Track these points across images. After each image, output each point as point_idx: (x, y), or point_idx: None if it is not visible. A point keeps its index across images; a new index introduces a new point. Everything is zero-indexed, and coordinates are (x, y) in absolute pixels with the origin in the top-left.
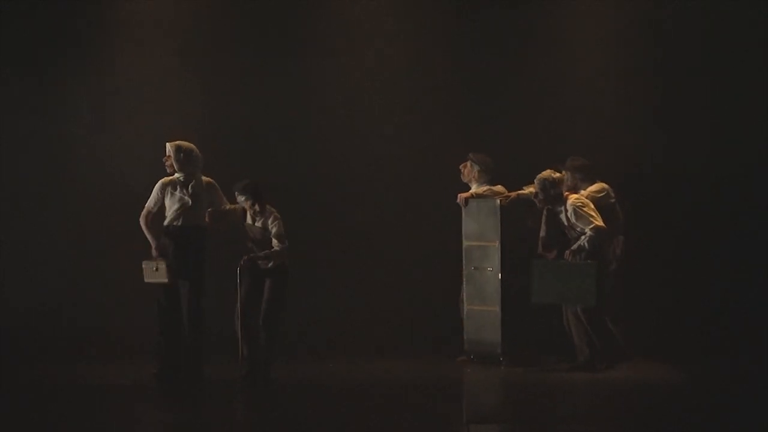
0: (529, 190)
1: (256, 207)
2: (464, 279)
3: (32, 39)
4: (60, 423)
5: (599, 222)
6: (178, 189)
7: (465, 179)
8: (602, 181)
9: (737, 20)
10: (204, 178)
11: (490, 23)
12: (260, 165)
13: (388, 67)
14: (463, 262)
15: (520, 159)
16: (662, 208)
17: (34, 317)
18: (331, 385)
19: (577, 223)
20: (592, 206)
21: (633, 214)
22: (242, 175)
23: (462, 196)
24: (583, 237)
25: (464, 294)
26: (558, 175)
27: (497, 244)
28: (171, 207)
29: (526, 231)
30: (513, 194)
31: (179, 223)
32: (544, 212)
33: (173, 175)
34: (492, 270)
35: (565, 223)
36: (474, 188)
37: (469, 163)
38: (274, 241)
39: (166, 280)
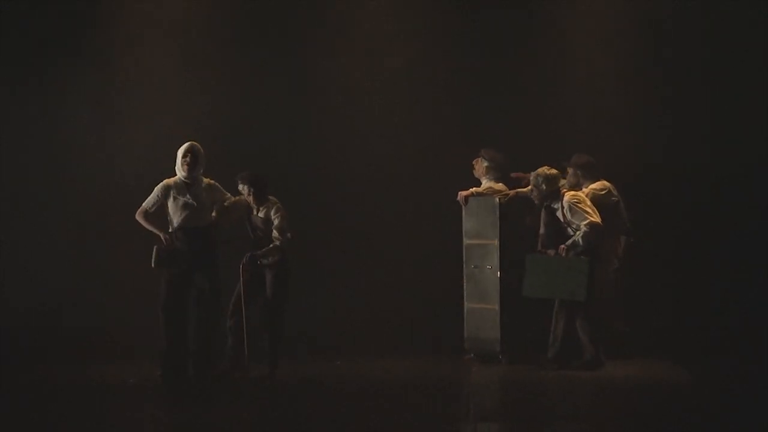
0: (528, 188)
1: (252, 196)
2: (465, 277)
3: (32, 39)
4: (60, 423)
5: (595, 218)
6: (182, 193)
7: (476, 175)
8: (605, 180)
9: (737, 20)
10: (204, 179)
11: (490, 23)
12: (260, 165)
13: (388, 67)
14: (464, 260)
15: (521, 158)
16: (662, 208)
17: (34, 317)
18: (332, 384)
19: (573, 220)
20: (589, 203)
21: (633, 214)
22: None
23: (462, 194)
24: (577, 233)
25: (464, 292)
26: (554, 171)
27: (496, 242)
28: (176, 211)
29: (526, 229)
30: (512, 192)
31: (189, 226)
32: (543, 210)
33: (177, 176)
34: (491, 268)
35: (563, 220)
36: (483, 184)
37: (480, 159)
38: (275, 234)
39: (174, 267)
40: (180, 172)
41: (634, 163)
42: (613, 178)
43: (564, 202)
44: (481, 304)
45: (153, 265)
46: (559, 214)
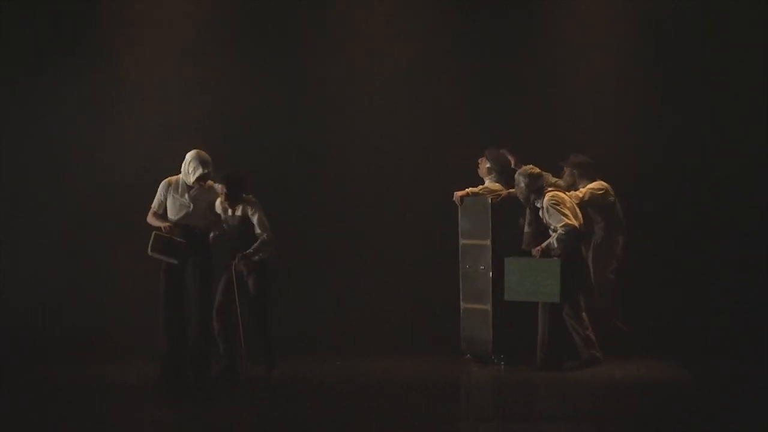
0: None
1: (225, 195)
2: (460, 277)
3: (32, 39)
4: (60, 423)
5: (571, 221)
6: (180, 193)
7: (480, 174)
8: (602, 180)
9: (737, 20)
10: None
11: (490, 23)
12: (260, 165)
13: (388, 67)
14: (460, 260)
15: (521, 158)
16: (662, 208)
17: (34, 317)
18: (331, 384)
19: (550, 221)
20: (569, 204)
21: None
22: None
23: (457, 194)
24: (553, 234)
25: (461, 292)
26: (536, 170)
27: (488, 242)
28: (172, 209)
29: (519, 229)
30: (504, 192)
31: (183, 223)
32: (528, 208)
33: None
34: (483, 268)
35: (544, 220)
36: (486, 184)
37: (484, 158)
38: (258, 231)
39: (176, 261)
40: (187, 177)
41: (634, 163)
42: (612, 178)
43: (544, 202)
44: (475, 304)
45: (149, 251)
46: (541, 213)
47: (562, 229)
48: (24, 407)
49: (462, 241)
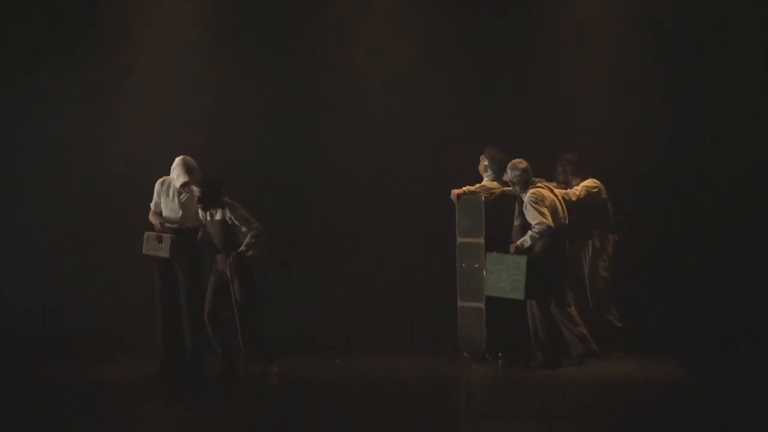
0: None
1: (201, 201)
2: (458, 276)
3: (32, 39)
4: (60, 423)
5: (546, 220)
6: (171, 195)
7: (480, 171)
8: (595, 178)
9: (737, 20)
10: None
11: (490, 23)
12: (260, 164)
13: (388, 67)
14: (456, 258)
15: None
16: (662, 207)
17: (33, 317)
18: (331, 383)
19: (527, 217)
20: (548, 203)
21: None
22: (242, 175)
23: (455, 192)
24: (528, 232)
25: (458, 290)
26: (523, 164)
27: (482, 240)
28: (165, 208)
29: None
30: (498, 190)
31: (172, 223)
32: (517, 202)
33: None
34: (478, 266)
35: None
36: (484, 182)
37: (485, 163)
38: (244, 229)
39: (167, 255)
40: (175, 181)
41: (634, 163)
42: (613, 178)
43: (526, 197)
44: (471, 302)
45: (143, 251)
46: (524, 208)
47: (537, 227)
48: (24, 407)
49: (459, 239)
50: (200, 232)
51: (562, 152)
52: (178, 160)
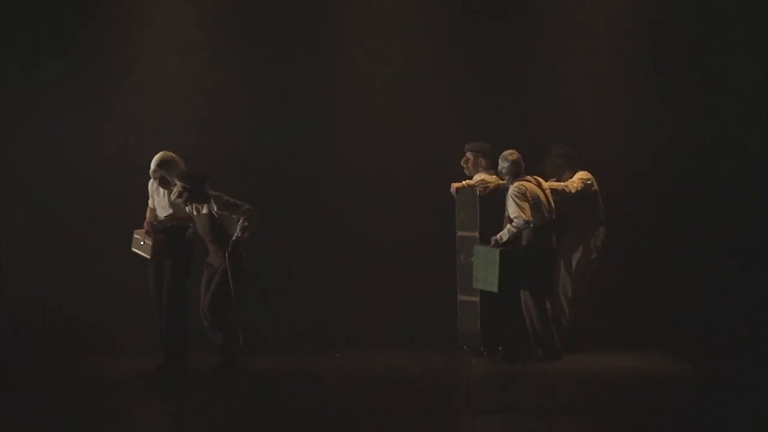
0: None
1: (185, 197)
2: (457, 270)
3: (31, 39)
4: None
5: (525, 215)
6: (162, 193)
7: (471, 172)
8: (585, 170)
9: (737, 20)
10: None
11: (490, 23)
12: (260, 164)
13: (388, 67)
14: (456, 252)
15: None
16: (662, 207)
17: (33, 317)
18: (332, 377)
19: (508, 210)
20: (530, 197)
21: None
22: (241, 174)
23: (454, 185)
24: (507, 226)
25: (457, 284)
26: (515, 155)
27: (477, 233)
28: (157, 207)
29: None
30: (493, 184)
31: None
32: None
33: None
34: (474, 260)
35: None
36: (476, 177)
37: (467, 154)
38: (235, 216)
39: (148, 256)
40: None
41: (633, 163)
42: (613, 177)
43: (510, 189)
44: (468, 296)
45: (132, 249)
46: None
47: (515, 221)
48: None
49: (458, 233)
50: (189, 231)
51: (554, 147)
52: (153, 168)
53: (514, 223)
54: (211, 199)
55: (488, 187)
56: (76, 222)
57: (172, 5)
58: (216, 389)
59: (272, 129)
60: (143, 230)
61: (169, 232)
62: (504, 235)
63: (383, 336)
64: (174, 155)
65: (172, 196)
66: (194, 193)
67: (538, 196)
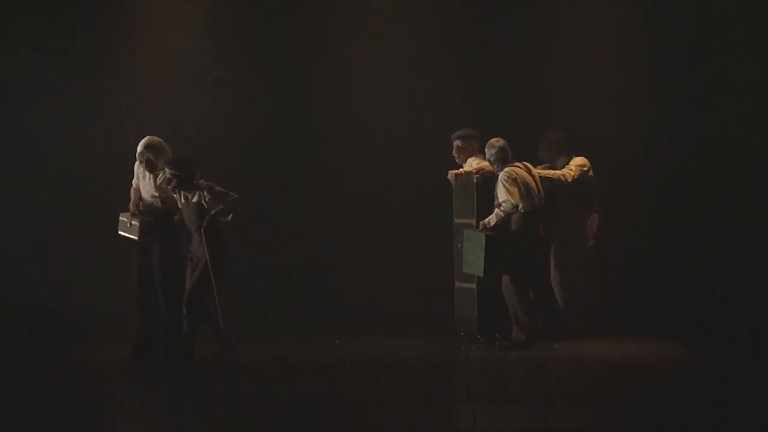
0: None
1: (175, 185)
2: (455, 257)
3: (31, 39)
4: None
5: (514, 199)
6: (148, 177)
7: (462, 161)
8: (581, 155)
9: (737, 19)
10: None
11: (490, 22)
12: (260, 164)
13: (389, 66)
14: (453, 239)
15: (521, 157)
16: (662, 206)
17: (33, 316)
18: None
19: (497, 194)
20: (521, 182)
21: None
22: (241, 174)
23: (452, 172)
24: (495, 210)
25: (455, 271)
26: (500, 142)
27: (473, 220)
28: (142, 191)
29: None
30: (489, 170)
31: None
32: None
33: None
34: (463, 244)
35: None
36: (472, 164)
37: (456, 143)
38: (223, 200)
39: (136, 238)
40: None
41: (634, 162)
42: (612, 177)
43: (500, 174)
44: (465, 283)
45: (118, 231)
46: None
47: (503, 205)
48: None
49: (456, 221)
50: (176, 216)
51: (548, 131)
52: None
53: (502, 207)
54: (204, 189)
55: (488, 174)
56: (76, 222)
57: (172, 5)
58: (213, 375)
59: (272, 129)
60: (129, 213)
61: (156, 215)
62: (492, 219)
63: (382, 323)
64: (161, 140)
65: (160, 182)
66: (183, 180)
67: (528, 182)
